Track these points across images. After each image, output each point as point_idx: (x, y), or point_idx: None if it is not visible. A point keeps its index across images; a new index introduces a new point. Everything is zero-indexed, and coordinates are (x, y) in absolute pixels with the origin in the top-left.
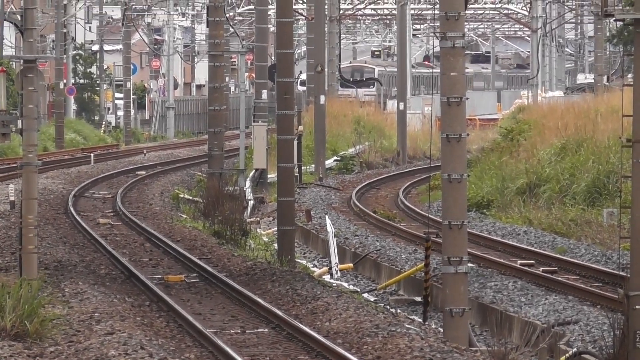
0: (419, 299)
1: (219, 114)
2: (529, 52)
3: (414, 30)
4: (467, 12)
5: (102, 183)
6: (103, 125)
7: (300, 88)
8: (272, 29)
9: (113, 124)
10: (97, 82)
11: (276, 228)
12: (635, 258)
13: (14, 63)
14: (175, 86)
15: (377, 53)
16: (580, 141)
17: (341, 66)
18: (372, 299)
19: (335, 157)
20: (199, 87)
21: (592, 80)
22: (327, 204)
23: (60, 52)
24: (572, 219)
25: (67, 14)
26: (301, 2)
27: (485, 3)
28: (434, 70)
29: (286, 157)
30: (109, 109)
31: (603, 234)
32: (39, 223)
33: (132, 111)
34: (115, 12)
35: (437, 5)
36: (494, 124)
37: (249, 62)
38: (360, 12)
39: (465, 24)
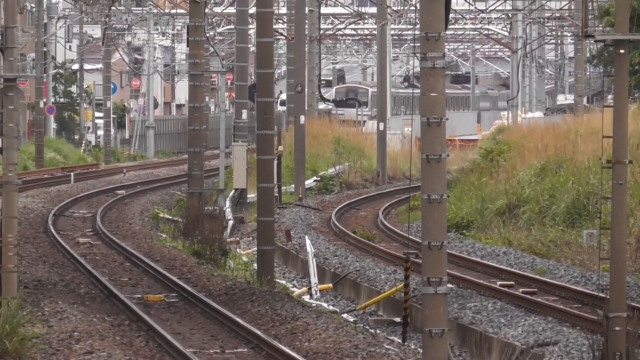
0: (398, 319)
1: (199, 133)
2: (509, 72)
3: (394, 51)
4: (447, 32)
5: (82, 202)
6: (83, 145)
7: (281, 108)
8: (253, 48)
9: (93, 143)
10: (77, 101)
11: (256, 248)
12: (615, 279)
13: None
14: (155, 105)
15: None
16: (560, 162)
17: (337, 86)
18: (351, 319)
19: (315, 177)
20: (179, 106)
21: (572, 101)
22: (307, 224)
23: (40, 71)
24: (552, 240)
25: (48, 32)
26: (281, 22)
27: (466, 24)
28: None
29: (266, 177)
30: (89, 128)
31: (583, 255)
32: (19, 242)
33: (112, 130)
34: (96, 31)
35: (418, 26)
36: (473, 144)
37: (229, 81)
38: (340, 32)
39: (446, 44)
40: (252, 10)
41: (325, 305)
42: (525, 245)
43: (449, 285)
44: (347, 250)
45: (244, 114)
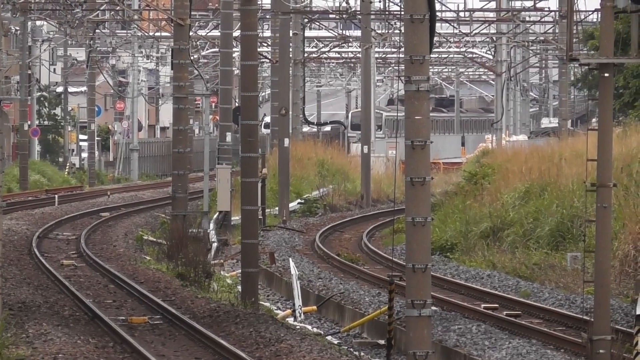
0: (382, 342)
1: (183, 156)
2: (493, 95)
3: (378, 74)
4: (432, 55)
5: (66, 224)
6: (67, 167)
7: (265, 130)
8: (237, 71)
9: (77, 165)
10: (62, 123)
11: (240, 270)
12: (599, 302)
13: None
14: (140, 128)
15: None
16: (544, 185)
17: (352, 112)
18: (335, 342)
19: (299, 200)
20: (163, 129)
21: (557, 125)
22: (291, 247)
23: (24, 93)
24: (536, 262)
25: (32, 55)
26: (266, 45)
27: (450, 47)
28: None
29: (250, 200)
30: (73, 150)
31: (567, 278)
32: (3, 264)
33: (97, 153)
34: (80, 54)
35: (402, 49)
36: (457, 167)
37: (213, 104)
38: (324, 56)
39: (430, 67)
40: (237, 33)
41: (309, 327)
42: (509, 268)
43: (433, 308)
44: (331, 273)
45: (228, 137)
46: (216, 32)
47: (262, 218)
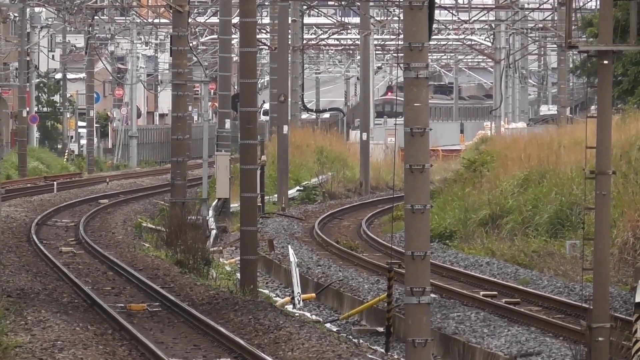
0: (381, 329)
1: (182, 143)
2: (492, 83)
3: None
4: (430, 43)
5: (65, 211)
6: (66, 154)
7: (264, 117)
8: (236, 58)
9: (76, 152)
10: (60, 110)
11: (239, 257)
12: (598, 290)
13: None
14: (139, 115)
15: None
16: (543, 173)
17: (374, 99)
18: (334, 329)
19: (298, 187)
20: (162, 115)
21: (556, 112)
22: (290, 234)
23: (23, 80)
24: (535, 250)
25: (31, 42)
26: (264, 31)
27: (449, 34)
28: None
29: (249, 187)
30: (72, 137)
31: (566, 265)
32: (2, 251)
33: (95, 140)
34: (79, 41)
35: (401, 36)
36: (456, 155)
37: (212, 91)
38: (323, 42)
39: (429, 54)
40: (235, 20)
41: (308, 314)
42: (508, 255)
43: (432, 295)
44: (330, 260)
45: (227, 124)
46: (215, 19)
47: (261, 205)
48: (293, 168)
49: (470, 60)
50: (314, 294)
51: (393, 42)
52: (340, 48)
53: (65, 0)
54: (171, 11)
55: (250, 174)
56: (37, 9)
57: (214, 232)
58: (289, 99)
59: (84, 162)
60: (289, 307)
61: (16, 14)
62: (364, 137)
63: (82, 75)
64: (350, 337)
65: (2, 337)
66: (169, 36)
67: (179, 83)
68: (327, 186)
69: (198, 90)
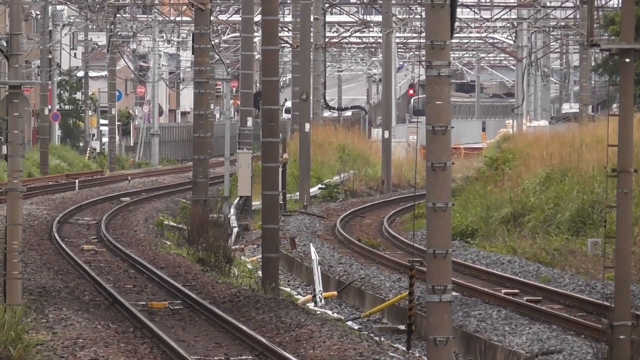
0: (402, 327)
1: (204, 141)
2: (514, 81)
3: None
4: (452, 41)
5: (87, 209)
6: (88, 152)
7: (286, 115)
8: (258, 56)
9: (98, 150)
10: (82, 108)
11: (260, 255)
12: (620, 288)
13: None
14: (160, 113)
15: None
16: (565, 171)
17: (414, 97)
18: (356, 327)
19: (319, 185)
20: (184, 114)
21: (577, 110)
22: (312, 232)
23: (45, 78)
24: (557, 248)
25: (53, 40)
26: (287, 29)
27: (471, 32)
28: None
29: (271, 185)
30: (93, 135)
31: (587, 263)
32: (24, 249)
33: (117, 138)
34: (101, 39)
35: (423, 34)
36: (478, 153)
37: (234, 89)
38: (345, 40)
39: (451, 52)
40: (258, 18)
41: (329, 312)
42: (529, 253)
43: (454, 293)
44: (352, 258)
45: (249, 122)
46: (237, 17)
47: (283, 203)
48: (315, 166)
49: (492, 58)
50: (335, 292)
51: (415, 40)
52: (362, 46)
53: None
54: (193, 9)
55: (272, 171)
56: (59, 7)
57: (235, 230)
58: (311, 97)
59: (105, 160)
60: (311, 305)
61: (38, 12)
62: (386, 135)
63: (104, 73)
64: (372, 335)
65: (23, 335)
66: (191, 34)
67: (201, 81)
68: (349, 184)
69: (220, 88)
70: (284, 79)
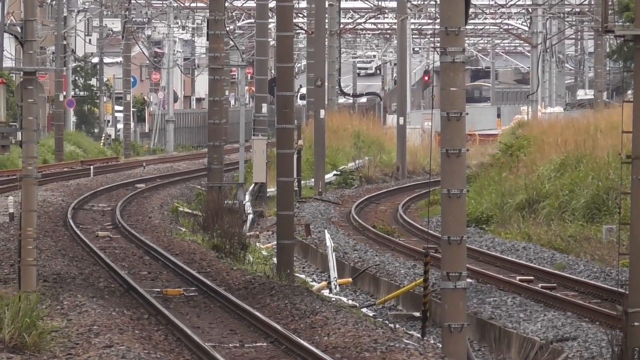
0: (417, 314)
1: (219, 127)
2: (528, 67)
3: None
4: (467, 27)
5: (102, 196)
6: (103, 138)
7: (300, 102)
8: (272, 42)
9: (113, 136)
10: (97, 94)
11: (275, 242)
12: (634, 275)
13: (14, 75)
14: (175, 99)
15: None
16: (579, 157)
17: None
18: (370, 314)
19: (334, 172)
20: (198, 100)
21: (592, 96)
22: (327, 219)
23: (60, 64)
24: (572, 235)
25: (67, 26)
26: (301, 16)
27: (486, 18)
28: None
29: (286, 171)
30: (108, 121)
31: (602, 250)
32: (38, 235)
33: (132, 124)
34: (116, 25)
35: (438, 21)
36: (493, 139)
37: (249, 75)
38: (360, 27)
39: (466, 39)
40: (272, 4)
41: (344, 299)
42: (544, 240)
43: (469, 280)
44: (367, 245)
45: (264, 108)
46: (252, 3)
47: (298, 190)
48: (330, 152)
49: (507, 44)
50: (350, 279)
51: (430, 27)
52: (377, 32)
53: None
54: None
55: (287, 158)
56: None
57: (250, 216)
58: (326, 83)
59: (120, 147)
60: (325, 292)
61: None
62: (401, 121)
63: (119, 59)
64: (387, 322)
65: (38, 321)
66: (206, 20)
67: (216, 67)
68: (364, 170)
69: (235, 75)
70: (299, 65)
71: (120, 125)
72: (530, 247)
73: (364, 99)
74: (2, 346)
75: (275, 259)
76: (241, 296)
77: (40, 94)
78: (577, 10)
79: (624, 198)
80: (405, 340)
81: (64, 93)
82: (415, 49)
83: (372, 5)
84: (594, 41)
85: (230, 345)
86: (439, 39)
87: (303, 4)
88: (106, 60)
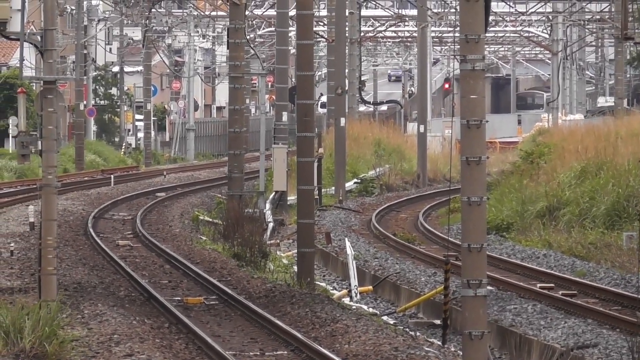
0: (438, 321)
1: (239, 135)
2: (549, 75)
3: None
4: (487, 34)
5: (122, 205)
6: (123, 147)
7: (321, 110)
8: (293, 50)
9: (133, 145)
10: (118, 103)
11: (296, 250)
12: None
13: (34, 84)
14: (196, 108)
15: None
16: (600, 164)
17: (518, 92)
18: (391, 322)
19: (355, 180)
20: (219, 108)
21: (613, 104)
22: (347, 227)
23: (80, 73)
24: (592, 242)
25: (88, 35)
26: (322, 24)
27: (506, 26)
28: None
29: (306, 180)
30: (129, 130)
31: (622, 257)
32: (59, 244)
33: (153, 133)
34: (136, 34)
35: (458, 28)
36: (514, 146)
37: (270, 84)
38: (380, 35)
39: (486, 46)
40: (293, 12)
41: (365, 307)
42: (565, 247)
43: (489, 288)
44: (387, 253)
45: (285, 116)
46: (272, 11)
47: (318, 198)
48: (350, 160)
49: (528, 52)
50: (371, 287)
51: (450, 34)
52: (397, 40)
53: None
54: (228, 3)
55: (307, 166)
56: (94, 2)
57: (271, 224)
58: (347, 91)
59: (141, 155)
60: (346, 300)
61: (73, 7)
62: (422, 129)
63: (140, 68)
64: (407, 329)
65: (58, 330)
66: (226, 29)
67: (236, 76)
68: (385, 178)
69: (255, 83)
70: (320, 73)
71: (140, 134)
72: (551, 255)
73: (384, 107)
74: (23, 355)
75: (295, 267)
76: (262, 304)
77: (60, 103)
78: (598, 17)
79: None
80: (426, 348)
81: (85, 102)
82: (436, 57)
83: (393, 13)
84: (614, 48)
85: (251, 353)
86: (459, 46)
87: (323, 12)
88: (127, 69)
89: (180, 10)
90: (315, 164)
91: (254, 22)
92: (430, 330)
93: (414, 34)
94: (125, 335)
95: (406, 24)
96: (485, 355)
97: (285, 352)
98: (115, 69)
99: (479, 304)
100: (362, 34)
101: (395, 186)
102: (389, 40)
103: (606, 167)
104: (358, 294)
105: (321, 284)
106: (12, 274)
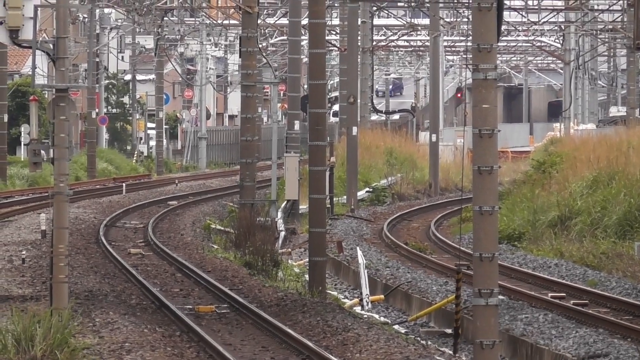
0: (449, 331)
1: (251, 144)
2: (561, 84)
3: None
4: (499, 44)
5: (134, 213)
6: (135, 155)
7: (333, 119)
8: (305, 59)
9: (145, 153)
10: (130, 111)
11: (307, 259)
12: None
13: (46, 92)
14: (208, 116)
15: None
16: (612, 174)
17: (550, 100)
18: (402, 331)
19: (367, 189)
20: (231, 117)
21: (625, 113)
22: (359, 236)
23: (92, 81)
24: (604, 252)
25: (100, 43)
26: (334, 33)
27: (518, 35)
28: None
29: (318, 188)
30: (141, 138)
31: (634, 267)
32: (70, 252)
33: (165, 141)
34: (148, 42)
35: (470, 38)
36: (526, 156)
37: (282, 92)
38: (393, 44)
39: (498, 56)
40: (305, 21)
41: (376, 316)
42: (576, 257)
43: (500, 297)
44: (399, 262)
45: (297, 125)
46: (284, 20)
47: (330, 206)
48: (362, 169)
49: (540, 61)
50: (382, 296)
51: (462, 44)
52: (409, 49)
53: (134, 1)
54: (241, 12)
55: (319, 175)
56: (106, 10)
57: (282, 233)
58: (359, 100)
59: (153, 164)
60: (358, 309)
61: (85, 15)
62: (434, 138)
63: (152, 76)
64: (419, 338)
65: (70, 338)
66: (239, 37)
67: (248, 84)
68: (396, 187)
69: (267, 92)
70: (332, 82)
71: (152, 142)
72: (562, 264)
73: (396, 116)
74: None
75: (307, 276)
76: (273, 313)
77: (73, 111)
78: (610, 27)
79: None
80: (437, 357)
81: (97, 110)
82: (447, 66)
83: (405, 23)
84: (626, 58)
85: None
86: (471, 56)
87: (336, 21)
88: (139, 77)
89: (193, 19)
90: (327, 173)
91: (266, 30)
92: (441, 340)
93: (427, 43)
94: (137, 343)
95: (418, 33)
96: None
97: None
98: (127, 77)
99: (490, 313)
100: (374, 43)
101: (407, 195)
102: (401, 49)
103: (618, 177)
104: (369, 303)
105: (332, 292)
106: (23, 282)
